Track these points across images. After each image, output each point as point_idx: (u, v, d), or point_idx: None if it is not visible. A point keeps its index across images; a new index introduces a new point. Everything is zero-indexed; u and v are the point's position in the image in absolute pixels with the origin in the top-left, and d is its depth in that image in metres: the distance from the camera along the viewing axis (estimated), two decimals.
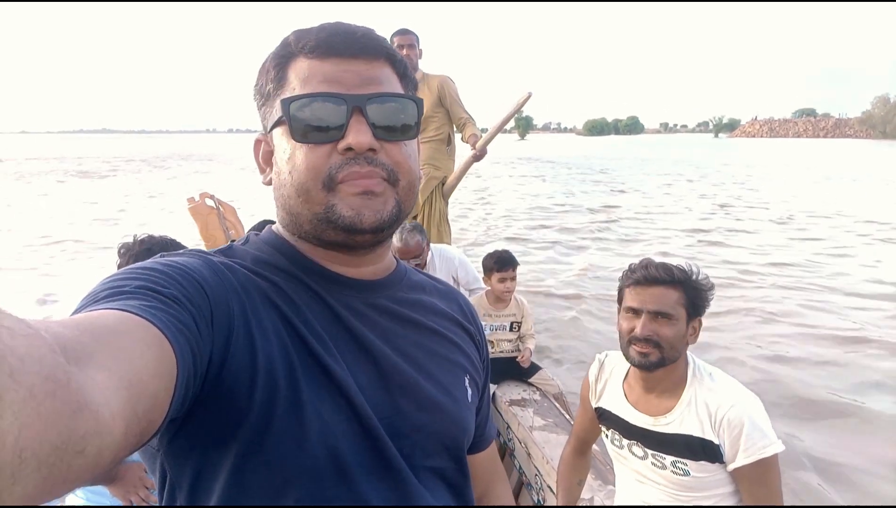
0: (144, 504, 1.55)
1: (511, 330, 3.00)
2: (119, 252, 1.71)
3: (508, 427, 2.63)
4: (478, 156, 3.53)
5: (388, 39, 3.82)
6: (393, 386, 0.62)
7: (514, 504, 0.89)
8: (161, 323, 0.44)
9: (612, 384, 1.50)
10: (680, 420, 1.32)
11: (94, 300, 0.46)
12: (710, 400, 1.29)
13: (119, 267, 1.67)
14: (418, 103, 0.63)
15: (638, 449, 1.41)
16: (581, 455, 1.66)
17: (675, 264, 1.34)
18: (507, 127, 3.70)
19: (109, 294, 0.46)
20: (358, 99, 0.59)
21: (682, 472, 1.32)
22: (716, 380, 1.33)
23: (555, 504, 2.15)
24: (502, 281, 2.88)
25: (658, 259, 1.39)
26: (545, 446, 2.34)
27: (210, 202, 2.53)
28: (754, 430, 1.23)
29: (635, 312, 1.33)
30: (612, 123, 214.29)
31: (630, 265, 1.41)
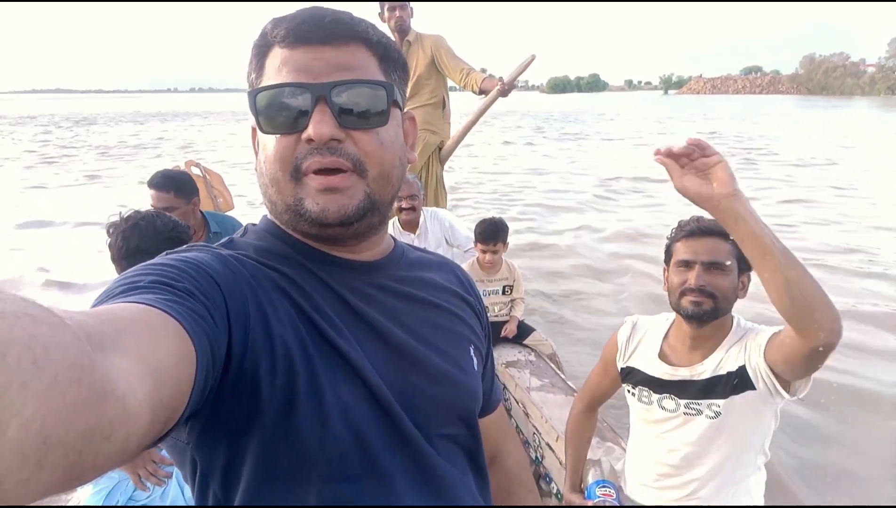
0: (153, 477, 1.56)
1: (504, 293, 3.04)
2: (108, 231, 1.66)
3: (505, 388, 2.69)
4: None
5: (379, 6, 3.56)
6: (403, 362, 0.64)
7: (524, 458, 0.93)
8: (178, 315, 0.44)
9: (646, 344, 1.51)
10: (717, 363, 1.35)
11: (109, 296, 0.46)
12: (747, 338, 1.33)
13: (109, 245, 1.64)
14: (388, 88, 0.62)
15: (670, 402, 1.43)
16: (592, 413, 1.71)
17: None
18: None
19: (124, 290, 0.47)
20: (321, 87, 0.58)
21: (714, 415, 1.35)
22: (756, 331, 1.35)
23: (553, 459, 2.24)
24: (483, 253, 2.92)
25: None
26: (543, 406, 2.40)
27: (196, 170, 2.43)
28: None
29: (688, 264, 1.34)
30: (575, 81, 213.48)
31: (679, 222, 1.41)
